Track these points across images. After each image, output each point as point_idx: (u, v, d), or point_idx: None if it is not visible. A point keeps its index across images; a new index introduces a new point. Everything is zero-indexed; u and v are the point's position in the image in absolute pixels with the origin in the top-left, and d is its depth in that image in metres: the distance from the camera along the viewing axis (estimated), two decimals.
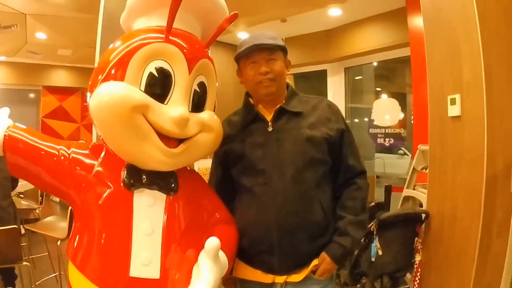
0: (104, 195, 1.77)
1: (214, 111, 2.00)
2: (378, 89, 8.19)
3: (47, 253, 4.96)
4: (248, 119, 2.14)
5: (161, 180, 1.83)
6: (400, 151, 7.40)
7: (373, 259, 3.65)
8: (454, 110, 3.06)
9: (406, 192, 4.59)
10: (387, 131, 7.27)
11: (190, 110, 1.82)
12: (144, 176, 1.80)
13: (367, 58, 7.48)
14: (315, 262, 2.05)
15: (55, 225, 4.41)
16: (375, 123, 7.44)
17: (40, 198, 5.79)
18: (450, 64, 3.15)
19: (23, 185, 4.16)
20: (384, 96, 7.88)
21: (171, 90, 1.77)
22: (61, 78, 11.63)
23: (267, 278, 2.07)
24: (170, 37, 1.78)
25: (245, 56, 2.07)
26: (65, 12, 6.84)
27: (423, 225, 3.64)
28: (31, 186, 4.84)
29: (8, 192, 3.92)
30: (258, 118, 2.12)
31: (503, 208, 2.85)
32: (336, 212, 2.12)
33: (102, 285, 1.73)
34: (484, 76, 2.75)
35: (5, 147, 1.85)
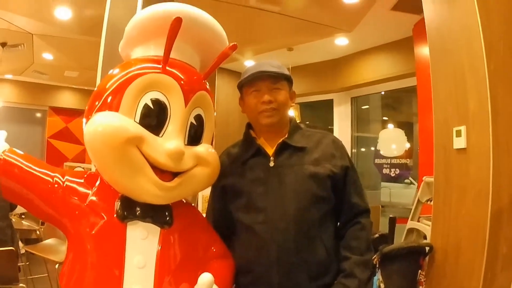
0: (97, 226, 1.74)
1: (212, 144, 1.97)
2: (385, 118, 8.21)
3: (46, 274, 4.94)
4: (249, 153, 2.09)
5: (155, 213, 1.80)
6: (406, 180, 7.36)
7: None
8: (459, 142, 3.03)
9: (411, 224, 4.55)
10: (392, 161, 7.27)
11: (186, 143, 1.80)
12: (138, 209, 1.77)
13: (374, 88, 7.51)
14: None
15: (55, 248, 4.39)
16: (381, 153, 7.44)
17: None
18: (455, 96, 3.13)
19: None
20: (390, 126, 7.90)
21: (167, 122, 1.75)
22: (67, 99, 11.71)
23: None
24: (167, 68, 1.77)
25: (249, 83, 2.04)
26: (70, 34, 6.92)
27: (427, 258, 3.61)
28: None
29: (6, 213, 3.91)
30: (259, 152, 2.07)
31: (508, 242, 2.79)
32: (338, 251, 2.06)
33: None
34: (490, 108, 2.72)
35: (0, 171, 1.83)
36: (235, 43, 1.86)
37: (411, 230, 4.53)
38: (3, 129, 2.69)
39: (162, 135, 1.73)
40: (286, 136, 2.06)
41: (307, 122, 9.34)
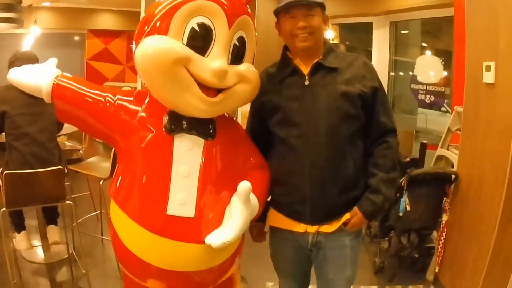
0: (147, 139, 1.93)
1: (252, 63, 2.10)
2: (424, 44, 8.09)
3: (88, 192, 5.16)
4: (285, 72, 2.20)
5: (200, 126, 1.96)
6: (443, 108, 7.35)
7: (401, 214, 3.75)
8: (488, 77, 3.09)
9: (440, 151, 4.66)
10: (428, 88, 7.23)
11: (229, 62, 1.93)
12: (184, 122, 1.94)
13: (413, 14, 7.37)
14: (347, 216, 2.15)
15: (98, 165, 4.57)
16: (417, 79, 7.42)
17: (84, 139, 5.98)
18: (488, 32, 3.15)
19: (67, 127, 4.32)
20: (428, 53, 7.81)
21: (212, 44, 1.88)
22: (106, 22, 11.80)
23: (300, 227, 2.18)
24: None
25: (285, 11, 2.12)
26: None
27: (452, 186, 3.72)
28: (74, 129, 5.02)
29: (54, 135, 4.11)
30: (295, 71, 2.18)
31: None
32: (366, 167, 2.20)
33: (141, 222, 1.91)
34: None
35: (53, 95, 2.02)
36: None
37: (440, 157, 4.66)
38: (43, 54, 2.87)
39: (208, 55, 1.87)
40: (321, 57, 2.16)
41: (347, 43, 9.29)
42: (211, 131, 1.99)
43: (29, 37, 9.06)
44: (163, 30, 1.84)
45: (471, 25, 3.47)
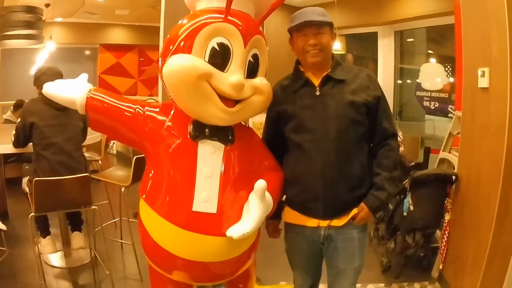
0: (173, 145, 2.20)
1: (265, 77, 2.35)
2: (430, 51, 8.17)
3: (107, 201, 5.29)
4: (298, 84, 2.46)
5: (221, 133, 2.22)
6: (450, 114, 7.48)
7: (405, 214, 3.96)
8: (483, 82, 3.28)
9: (442, 154, 4.83)
10: (433, 94, 7.34)
11: (245, 76, 2.18)
12: (207, 130, 2.20)
13: (416, 23, 7.52)
14: (354, 211, 2.40)
15: (118, 174, 4.74)
16: (422, 86, 7.57)
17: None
18: (482, 40, 3.33)
19: (88, 139, 4.51)
20: (433, 60, 7.92)
21: (230, 61, 2.14)
22: (118, 36, 11.98)
23: (313, 222, 2.44)
24: (229, 17, 2.14)
25: (297, 29, 2.39)
26: None
27: (453, 187, 3.90)
28: (94, 140, 5.19)
29: (79, 145, 4.34)
30: (307, 83, 2.44)
31: None
32: (371, 167, 2.45)
33: (169, 218, 2.16)
34: (510, 53, 2.95)
35: (87, 107, 2.28)
36: None
37: (442, 160, 4.82)
38: None
39: (227, 71, 2.13)
40: (329, 70, 2.43)
41: (354, 52, 9.45)
42: (230, 137, 2.25)
43: (44, 51, 9.27)
44: (187, 49, 2.10)
45: (466, 34, 3.65)
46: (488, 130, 3.28)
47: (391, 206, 4.35)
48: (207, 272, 2.28)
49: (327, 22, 2.38)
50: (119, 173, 4.77)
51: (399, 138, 5.49)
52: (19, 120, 4.12)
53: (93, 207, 3.96)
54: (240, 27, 2.15)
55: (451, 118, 7.11)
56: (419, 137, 6.67)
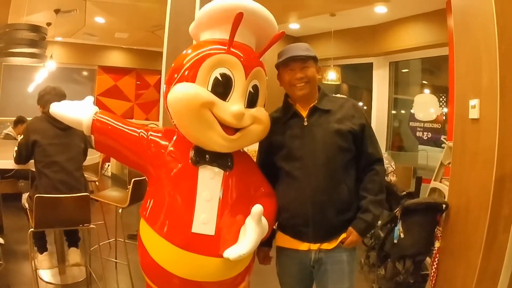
0: (175, 169, 2.30)
1: (264, 106, 2.47)
2: (425, 82, 8.32)
3: (103, 222, 5.33)
4: (287, 115, 2.59)
5: (220, 159, 2.32)
6: (443, 145, 7.56)
7: (395, 241, 4.02)
8: (474, 113, 3.34)
9: (433, 184, 4.90)
10: (425, 125, 7.48)
11: (245, 106, 2.29)
12: (208, 156, 2.30)
13: (411, 54, 7.71)
14: (343, 235, 2.49)
15: (115, 195, 4.81)
16: (415, 116, 7.69)
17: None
18: (473, 71, 3.42)
19: (87, 159, 4.58)
20: (427, 91, 8.02)
21: (232, 91, 2.25)
22: (116, 59, 12.08)
23: (303, 246, 2.53)
24: (231, 49, 2.25)
25: (284, 65, 2.53)
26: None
27: (444, 215, 3.98)
28: (92, 162, 5.24)
29: (80, 165, 4.41)
30: (295, 115, 2.57)
31: (510, 205, 3.12)
32: (358, 192, 2.55)
33: (169, 238, 2.24)
34: (499, 85, 3.04)
35: (93, 129, 2.38)
36: (283, 30, 2.37)
37: (434, 190, 4.89)
38: None
39: (228, 100, 2.24)
40: (316, 101, 2.56)
41: (349, 83, 9.59)
42: (229, 163, 2.35)
43: (44, 70, 9.34)
44: (191, 78, 2.21)
45: (458, 65, 3.70)
46: (478, 159, 3.34)
47: (382, 234, 4.42)
48: None
49: (311, 56, 2.52)
50: (115, 194, 4.84)
51: (391, 168, 5.60)
52: (21, 137, 4.20)
53: (91, 225, 4.03)
54: (242, 59, 2.27)
55: (444, 148, 7.24)
56: (411, 167, 6.75)
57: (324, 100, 2.57)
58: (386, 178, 2.83)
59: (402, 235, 3.95)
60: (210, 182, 2.29)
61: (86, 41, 10.97)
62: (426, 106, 7.59)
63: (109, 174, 10.91)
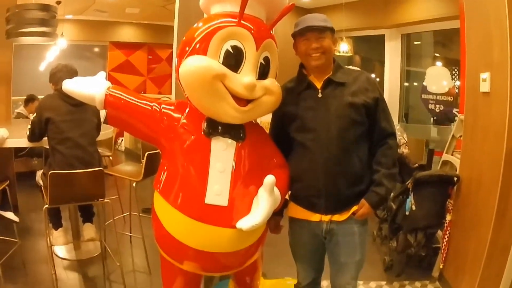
0: (188, 141, 2.32)
1: (275, 78, 2.47)
2: (437, 54, 8.24)
3: (117, 196, 5.37)
4: (302, 86, 2.59)
5: (233, 131, 2.34)
6: (456, 117, 7.51)
7: (407, 213, 4.06)
8: (485, 86, 3.38)
9: (445, 156, 4.90)
10: (438, 97, 7.44)
11: (257, 78, 2.29)
12: (220, 127, 2.32)
13: (423, 27, 7.62)
14: (355, 207, 2.52)
15: (129, 169, 4.85)
16: (427, 89, 7.65)
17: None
18: (483, 45, 3.44)
19: (100, 134, 4.57)
20: (439, 63, 7.98)
21: (243, 63, 2.26)
22: (127, 34, 12.04)
23: (315, 217, 2.56)
24: (242, 22, 2.26)
25: (300, 34, 2.52)
26: None
27: (455, 188, 4.00)
28: (106, 137, 5.26)
29: (94, 140, 4.43)
30: (310, 86, 2.56)
31: None
32: (370, 165, 2.57)
33: (182, 210, 2.28)
34: (510, 58, 3.04)
35: (106, 104, 2.40)
36: (293, 3, 2.38)
37: (445, 162, 4.89)
38: None
39: (240, 72, 2.25)
40: (331, 73, 2.55)
41: (362, 54, 9.53)
42: (241, 134, 2.37)
43: (55, 48, 9.35)
44: (202, 51, 2.22)
45: (469, 38, 3.73)
46: (489, 132, 3.37)
47: (394, 206, 4.45)
48: (217, 262, 2.40)
49: (328, 27, 2.51)
50: (129, 169, 4.88)
51: (403, 140, 5.59)
52: (34, 114, 4.22)
53: (106, 200, 4.07)
54: (253, 31, 2.27)
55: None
56: (424, 140, 6.72)
57: (339, 73, 2.57)
58: (398, 150, 2.84)
59: (413, 207, 3.97)
60: (222, 154, 2.31)
61: (97, 18, 10.94)
62: (438, 79, 7.52)
63: (123, 148, 10.98)
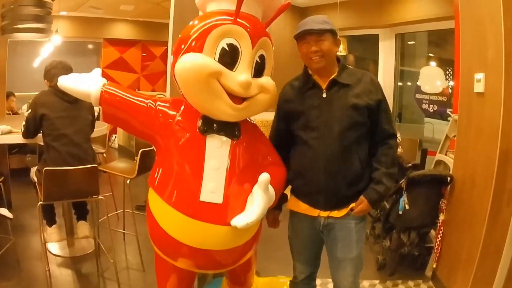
0: (183, 138, 2.33)
1: (271, 76, 2.48)
2: (431, 54, 8.25)
3: (111, 193, 5.40)
4: (307, 85, 2.61)
5: (228, 128, 2.35)
6: (449, 118, 7.52)
7: (400, 212, 4.06)
8: (479, 87, 3.39)
9: (438, 156, 4.93)
10: (431, 97, 7.43)
11: (252, 76, 2.30)
12: (215, 125, 2.32)
13: (417, 27, 7.61)
14: (353, 204, 2.56)
15: (122, 167, 4.80)
16: (421, 89, 7.65)
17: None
18: (478, 46, 3.44)
19: (94, 131, 4.57)
20: (433, 63, 7.99)
21: (239, 60, 2.26)
22: (122, 31, 11.96)
23: (314, 212, 2.61)
24: (238, 20, 2.26)
25: (300, 37, 2.54)
26: None
27: (448, 188, 4.01)
28: (100, 133, 5.26)
29: (88, 136, 4.42)
30: (315, 85, 2.59)
31: None
32: (370, 165, 2.61)
33: (177, 207, 2.29)
34: (504, 59, 3.06)
35: (101, 101, 2.40)
36: (289, 1, 2.40)
37: (439, 162, 4.92)
38: None
39: (235, 70, 2.25)
40: (336, 74, 2.57)
41: (356, 53, 9.54)
42: (236, 132, 2.38)
43: (49, 44, 9.31)
44: (198, 49, 2.22)
45: (464, 39, 3.74)
46: (483, 133, 3.38)
47: (387, 205, 4.46)
48: (211, 260, 2.41)
49: (327, 30, 2.51)
50: (123, 166, 4.86)
51: (397, 140, 5.61)
52: (29, 111, 4.20)
53: (100, 197, 4.06)
54: (249, 29, 2.27)
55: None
56: (417, 139, 6.73)
57: (344, 73, 2.59)
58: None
59: (407, 207, 3.99)
60: (217, 151, 2.33)
61: (91, 15, 10.85)
62: (432, 79, 7.54)
63: (116, 145, 10.95)
